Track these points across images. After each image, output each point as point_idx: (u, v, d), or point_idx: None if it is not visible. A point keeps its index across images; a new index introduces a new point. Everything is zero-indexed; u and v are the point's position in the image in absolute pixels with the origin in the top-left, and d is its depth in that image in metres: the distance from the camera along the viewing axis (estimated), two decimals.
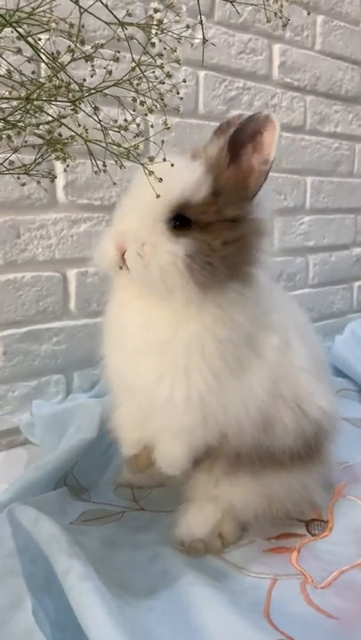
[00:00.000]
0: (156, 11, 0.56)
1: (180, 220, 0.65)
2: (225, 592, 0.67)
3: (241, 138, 0.66)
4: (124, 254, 0.65)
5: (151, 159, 0.59)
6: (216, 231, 0.66)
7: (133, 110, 0.61)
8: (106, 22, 0.54)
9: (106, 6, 0.53)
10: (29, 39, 0.52)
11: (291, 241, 1.59)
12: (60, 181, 1.10)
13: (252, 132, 0.65)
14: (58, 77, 0.54)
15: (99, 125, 0.57)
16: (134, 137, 0.59)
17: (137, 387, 0.71)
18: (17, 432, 1.09)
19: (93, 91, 0.56)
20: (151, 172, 0.59)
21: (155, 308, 0.67)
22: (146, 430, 0.75)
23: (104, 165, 0.59)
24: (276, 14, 0.69)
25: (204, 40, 0.70)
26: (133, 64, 0.57)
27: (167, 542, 0.77)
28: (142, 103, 0.61)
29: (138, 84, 0.59)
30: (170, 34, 0.57)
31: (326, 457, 0.82)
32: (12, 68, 0.55)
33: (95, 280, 1.16)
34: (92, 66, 0.55)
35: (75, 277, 1.15)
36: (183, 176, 0.65)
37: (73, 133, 0.57)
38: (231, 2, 0.78)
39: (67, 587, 0.60)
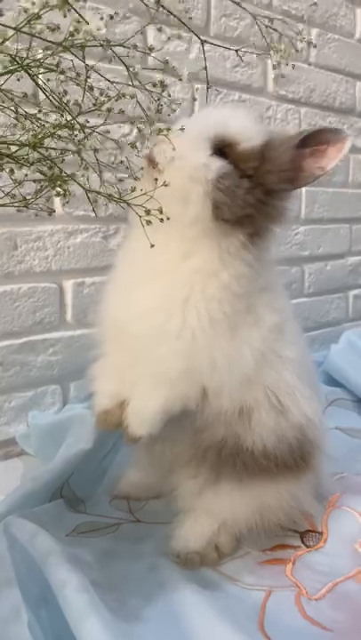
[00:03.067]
0: (162, 83, 0.58)
1: (220, 154, 0.67)
2: (220, 604, 0.67)
3: (316, 139, 0.70)
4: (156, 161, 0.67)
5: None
6: (248, 181, 0.68)
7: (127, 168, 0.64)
8: (111, 81, 0.56)
9: (114, 51, 0.54)
10: (39, 82, 0.53)
11: (286, 251, 1.60)
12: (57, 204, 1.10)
13: (325, 139, 0.70)
14: (67, 125, 0.56)
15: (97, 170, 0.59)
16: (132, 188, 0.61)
17: (130, 320, 0.70)
18: (13, 443, 1.10)
19: (96, 127, 0.57)
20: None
21: (166, 239, 0.67)
22: (125, 381, 0.73)
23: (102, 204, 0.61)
24: (274, 67, 0.73)
25: (205, 65, 0.72)
26: (140, 125, 0.59)
27: (163, 554, 0.77)
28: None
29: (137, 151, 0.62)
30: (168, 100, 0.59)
31: (316, 467, 0.81)
32: (17, 107, 0.57)
33: (91, 291, 1.17)
34: (99, 114, 0.57)
35: (71, 288, 1.15)
36: (241, 120, 0.69)
37: (73, 171, 0.59)
38: (236, 51, 0.80)
39: (62, 600, 0.60)
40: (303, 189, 1.60)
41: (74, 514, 0.87)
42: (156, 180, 0.65)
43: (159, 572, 0.74)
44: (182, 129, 0.66)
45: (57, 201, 1.11)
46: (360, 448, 1.13)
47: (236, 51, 0.71)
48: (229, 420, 0.74)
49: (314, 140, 0.70)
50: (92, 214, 1.15)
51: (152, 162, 0.67)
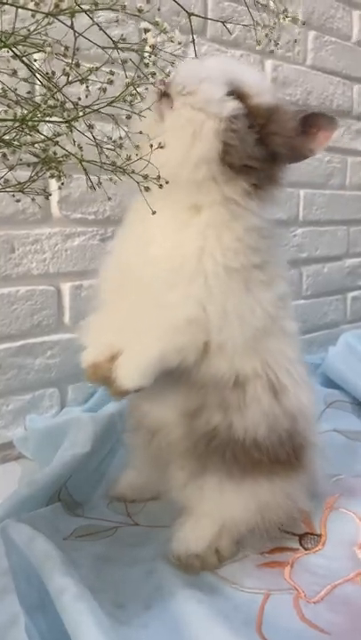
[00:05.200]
0: (146, 31, 0.57)
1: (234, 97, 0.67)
2: (218, 607, 0.67)
3: (310, 121, 0.71)
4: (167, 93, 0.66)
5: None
6: (256, 134, 0.68)
7: (127, 126, 0.62)
8: (100, 46, 0.56)
9: (102, 29, 0.54)
10: (25, 60, 0.53)
11: (284, 253, 1.60)
12: (55, 196, 1.10)
13: (317, 123, 0.71)
14: (53, 97, 0.55)
15: (93, 142, 0.58)
16: (127, 156, 0.60)
17: (142, 267, 0.68)
18: (11, 446, 1.09)
19: (88, 110, 0.57)
20: None
21: (171, 195, 0.65)
22: (122, 333, 0.69)
23: (99, 182, 0.60)
24: (266, 35, 0.72)
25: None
26: (127, 80, 0.58)
27: (161, 558, 0.77)
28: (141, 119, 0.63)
29: (131, 102, 0.60)
30: (163, 53, 0.58)
31: (309, 466, 0.81)
32: (7, 87, 0.56)
33: (89, 293, 1.17)
34: (87, 87, 0.56)
35: (69, 291, 1.15)
36: (256, 75, 0.72)
37: (67, 152, 0.58)
38: (222, 22, 0.80)
39: (60, 606, 0.60)
40: (301, 192, 1.61)
41: (72, 517, 0.87)
42: (160, 118, 0.65)
43: (157, 576, 0.74)
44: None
45: (54, 204, 1.11)
46: (358, 450, 1.13)
47: (223, 23, 0.70)
48: (224, 394, 0.72)
49: (308, 122, 0.71)
50: (90, 217, 1.16)
51: (166, 90, 0.66)
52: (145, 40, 0.56)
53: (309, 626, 0.67)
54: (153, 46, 0.56)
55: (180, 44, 0.60)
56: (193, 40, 0.73)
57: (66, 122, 0.56)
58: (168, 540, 0.78)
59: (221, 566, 0.78)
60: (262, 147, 0.69)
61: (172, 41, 0.58)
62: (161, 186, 0.59)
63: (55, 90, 0.54)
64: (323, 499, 0.91)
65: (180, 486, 0.78)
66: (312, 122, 0.71)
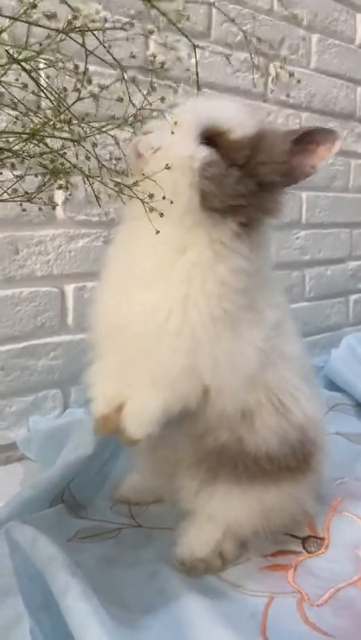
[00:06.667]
0: (154, 56, 0.58)
1: (210, 144, 0.67)
2: (222, 610, 0.67)
3: (308, 138, 0.70)
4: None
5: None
6: (239, 170, 0.67)
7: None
8: (110, 64, 0.56)
9: (109, 51, 0.54)
10: (34, 76, 0.53)
11: (287, 255, 1.60)
12: (59, 198, 1.10)
13: (315, 139, 0.70)
14: (62, 112, 0.56)
15: (98, 163, 0.59)
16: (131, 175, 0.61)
17: (129, 320, 0.68)
18: (14, 448, 1.09)
19: (96, 130, 0.57)
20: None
21: (161, 233, 0.65)
22: (123, 384, 0.71)
23: (107, 195, 0.61)
24: (272, 81, 0.73)
25: (198, 89, 0.72)
26: (137, 107, 0.59)
27: (165, 560, 0.77)
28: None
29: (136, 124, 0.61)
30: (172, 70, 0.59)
31: (316, 468, 0.81)
32: (17, 100, 0.57)
33: (93, 295, 1.17)
34: (97, 103, 0.57)
35: (72, 292, 1.15)
36: (233, 110, 0.70)
37: (75, 162, 0.59)
38: (227, 57, 0.80)
39: (64, 607, 0.60)
40: (304, 194, 1.61)
41: (75, 519, 0.87)
42: (140, 172, 0.65)
43: (160, 578, 0.74)
44: (175, 122, 0.65)
45: (58, 206, 1.11)
46: None
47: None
48: (232, 422, 0.73)
49: (306, 139, 0.70)
50: (94, 219, 1.16)
51: (137, 153, 0.67)
52: (152, 62, 0.57)
53: (313, 629, 0.67)
54: (163, 63, 0.57)
55: (187, 69, 0.61)
56: (194, 46, 0.73)
57: (74, 141, 0.56)
58: (171, 542, 0.78)
59: (225, 569, 0.77)
60: (250, 180, 0.68)
61: (180, 61, 0.58)
62: (170, 201, 0.59)
63: (64, 108, 0.55)
64: (326, 502, 0.91)
65: (192, 494, 0.79)
66: (310, 138, 0.70)
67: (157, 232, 0.62)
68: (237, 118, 0.69)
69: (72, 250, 1.14)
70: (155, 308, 0.67)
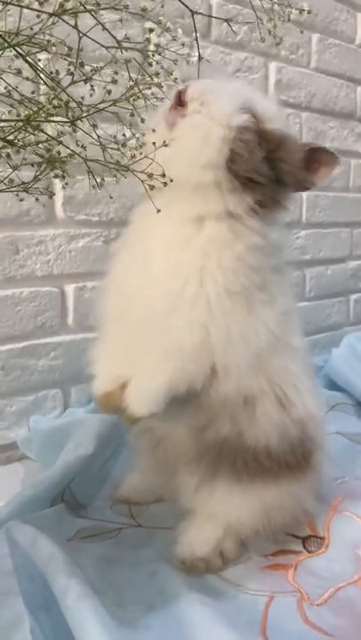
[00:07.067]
0: (151, 31, 0.57)
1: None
2: (222, 610, 0.67)
3: (313, 155, 0.72)
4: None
5: None
6: (266, 156, 0.69)
7: (130, 126, 0.63)
8: (104, 46, 0.56)
9: (106, 29, 0.55)
10: (29, 60, 0.53)
11: (287, 255, 1.59)
12: (59, 198, 1.11)
13: (318, 158, 0.72)
14: (57, 97, 0.55)
15: (97, 142, 0.58)
16: (132, 155, 0.60)
17: (144, 287, 0.68)
18: (14, 447, 1.09)
19: (93, 110, 0.57)
20: None
21: (174, 203, 0.67)
22: (128, 361, 0.69)
23: (102, 180, 0.60)
24: (270, 32, 0.72)
25: (200, 58, 0.72)
26: (131, 82, 0.58)
27: (165, 559, 0.77)
28: (143, 120, 0.63)
29: (134, 100, 0.60)
30: (167, 53, 0.58)
31: (316, 468, 0.81)
32: (11, 87, 0.57)
33: (93, 295, 1.17)
34: (92, 86, 0.56)
35: (73, 292, 1.15)
36: (268, 101, 0.74)
37: (71, 151, 0.58)
38: (227, 21, 0.80)
39: (64, 606, 0.60)
40: (304, 194, 1.61)
41: (75, 519, 0.87)
42: (171, 126, 0.67)
43: (160, 577, 0.74)
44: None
45: (58, 205, 1.11)
46: None
47: (228, 22, 0.71)
48: (234, 409, 0.73)
49: (310, 157, 0.72)
50: (94, 218, 1.16)
51: (181, 99, 0.68)
52: (148, 40, 0.57)
53: (313, 628, 0.67)
54: (157, 45, 0.56)
55: (183, 45, 0.60)
56: (196, 38, 0.73)
57: (70, 122, 0.56)
58: (172, 542, 0.78)
59: (225, 568, 0.78)
60: (270, 168, 0.69)
61: (175, 39, 0.58)
62: (165, 184, 0.60)
63: (59, 90, 0.55)
64: (326, 501, 0.91)
65: (191, 491, 0.78)
66: (314, 157, 0.72)
67: (158, 211, 0.62)
68: (274, 113, 0.72)
69: (72, 250, 1.14)
70: (171, 275, 0.67)
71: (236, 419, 0.74)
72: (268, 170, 0.69)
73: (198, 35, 1.26)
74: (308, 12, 0.65)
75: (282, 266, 0.77)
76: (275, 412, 0.74)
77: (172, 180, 0.61)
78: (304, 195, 1.61)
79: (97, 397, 0.72)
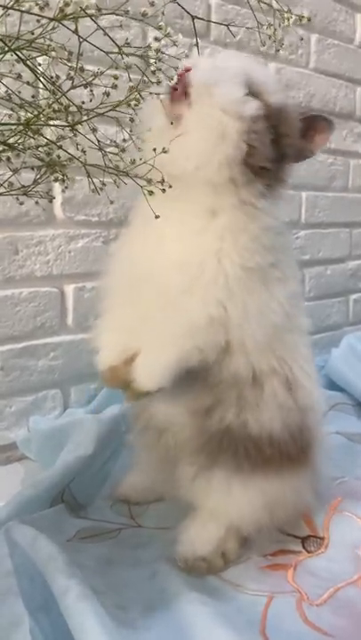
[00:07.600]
0: (157, 40, 0.58)
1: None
2: (222, 610, 0.67)
3: (308, 123, 0.72)
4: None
5: None
6: (272, 135, 0.68)
7: (131, 130, 0.63)
8: (105, 52, 0.56)
9: (106, 34, 0.55)
10: (30, 64, 0.53)
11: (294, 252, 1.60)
12: (58, 198, 1.11)
13: (314, 126, 0.72)
14: (58, 102, 0.56)
15: (96, 146, 0.58)
16: (132, 160, 0.60)
17: (156, 272, 0.68)
18: (14, 448, 1.09)
19: (93, 113, 0.57)
20: None
21: (190, 196, 0.66)
22: (135, 335, 0.68)
23: (102, 184, 0.60)
24: (270, 37, 0.72)
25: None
26: (131, 84, 0.58)
27: (165, 560, 0.77)
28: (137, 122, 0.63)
29: (136, 105, 0.60)
30: (167, 57, 0.58)
31: (314, 463, 0.80)
32: (11, 91, 0.57)
33: (92, 295, 1.17)
34: (92, 91, 0.56)
35: (72, 293, 1.15)
36: (266, 72, 0.74)
37: (71, 156, 0.58)
38: (227, 26, 0.80)
39: (64, 607, 0.60)
40: (303, 194, 1.61)
41: (75, 519, 0.87)
42: (177, 119, 0.64)
43: (160, 578, 0.74)
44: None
45: (58, 206, 1.11)
46: None
47: (227, 26, 0.71)
48: (241, 390, 0.72)
49: (306, 124, 0.72)
50: (94, 219, 1.16)
51: (182, 89, 0.63)
52: (149, 46, 0.57)
53: (313, 628, 0.67)
54: (158, 50, 0.56)
55: (182, 52, 0.60)
56: (197, 43, 0.73)
57: (70, 126, 0.56)
58: (172, 542, 0.78)
59: (225, 569, 0.77)
60: (275, 148, 0.69)
61: (175, 44, 0.58)
62: (164, 190, 0.59)
63: (60, 94, 0.55)
64: (326, 501, 0.91)
65: (189, 481, 0.77)
66: (310, 124, 0.72)
67: (157, 216, 0.60)
68: (272, 83, 0.70)
69: (72, 250, 1.14)
70: (187, 256, 0.67)
71: (242, 400, 0.73)
72: (274, 151, 0.69)
73: (198, 35, 1.26)
74: (309, 20, 0.65)
75: (289, 245, 0.78)
76: (281, 393, 0.74)
77: (170, 187, 0.59)
78: (303, 195, 1.61)
79: (102, 371, 0.70)
